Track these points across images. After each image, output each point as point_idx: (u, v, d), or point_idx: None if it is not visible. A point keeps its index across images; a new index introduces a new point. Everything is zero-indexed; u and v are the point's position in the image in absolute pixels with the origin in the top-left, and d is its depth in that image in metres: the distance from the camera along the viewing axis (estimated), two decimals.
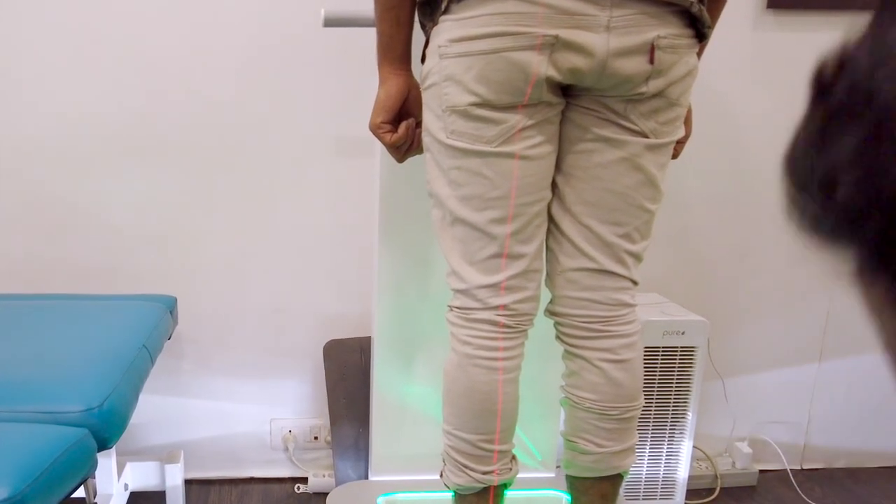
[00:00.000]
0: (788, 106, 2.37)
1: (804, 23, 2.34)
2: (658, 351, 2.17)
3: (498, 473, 1.59)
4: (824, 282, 2.52)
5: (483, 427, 1.55)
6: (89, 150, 2.22)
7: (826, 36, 2.31)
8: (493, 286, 1.50)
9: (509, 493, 1.66)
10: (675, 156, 1.66)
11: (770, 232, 2.49)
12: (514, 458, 1.67)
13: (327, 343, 2.36)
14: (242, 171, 2.27)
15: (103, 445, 1.54)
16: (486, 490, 1.62)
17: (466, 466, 1.58)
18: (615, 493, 1.68)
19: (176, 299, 2.14)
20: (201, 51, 2.18)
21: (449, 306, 1.61)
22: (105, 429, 1.53)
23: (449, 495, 1.68)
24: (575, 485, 1.70)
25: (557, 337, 1.65)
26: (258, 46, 2.20)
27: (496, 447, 1.57)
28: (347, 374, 2.32)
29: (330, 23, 1.89)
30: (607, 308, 1.55)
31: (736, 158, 2.42)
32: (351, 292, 2.38)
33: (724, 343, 2.53)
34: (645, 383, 1.99)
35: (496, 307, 1.51)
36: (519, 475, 1.98)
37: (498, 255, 1.49)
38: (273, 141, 2.26)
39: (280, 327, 2.39)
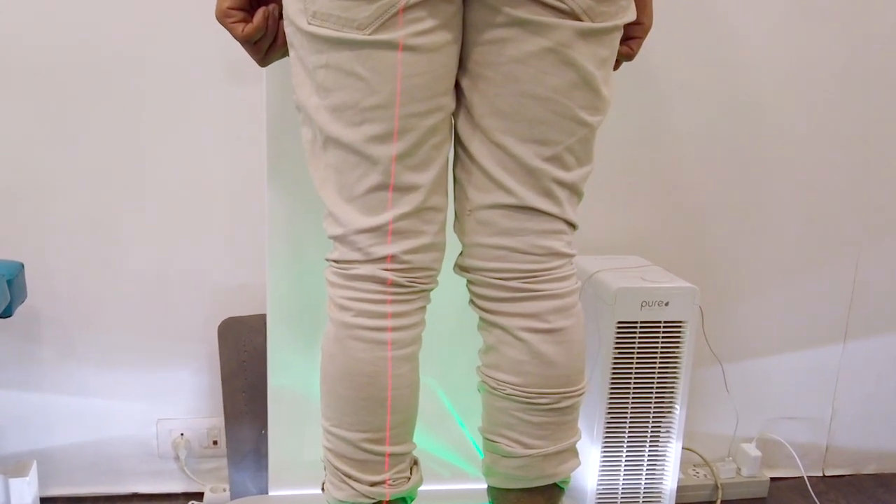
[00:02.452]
0: (798, 16, 2.20)
1: None
2: (636, 327, 1.97)
3: (390, 484, 1.40)
4: (850, 238, 2.36)
5: (367, 422, 1.37)
6: None
7: None
8: (377, 230, 1.32)
9: None
10: (629, 55, 1.45)
11: (779, 175, 2.31)
12: (415, 463, 1.47)
13: (223, 322, 2.15)
14: (109, 103, 2.05)
15: None
16: None
17: (349, 476, 1.39)
18: None
19: (22, 266, 1.91)
20: None
21: (326, 260, 1.41)
22: None
23: None
24: (498, 499, 1.51)
25: (470, 300, 1.44)
26: None
27: (387, 449, 1.39)
28: (248, 361, 2.13)
29: None
30: (531, 259, 1.36)
31: (737, 84, 2.24)
32: (250, 257, 2.18)
33: (722, 318, 2.35)
34: (621, 368, 1.98)
35: (382, 259, 1.33)
36: (460, 486, 1.93)
37: (382, 187, 1.30)
38: (148, 64, 2.05)
39: (164, 302, 2.19)
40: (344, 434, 1.38)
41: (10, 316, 1.86)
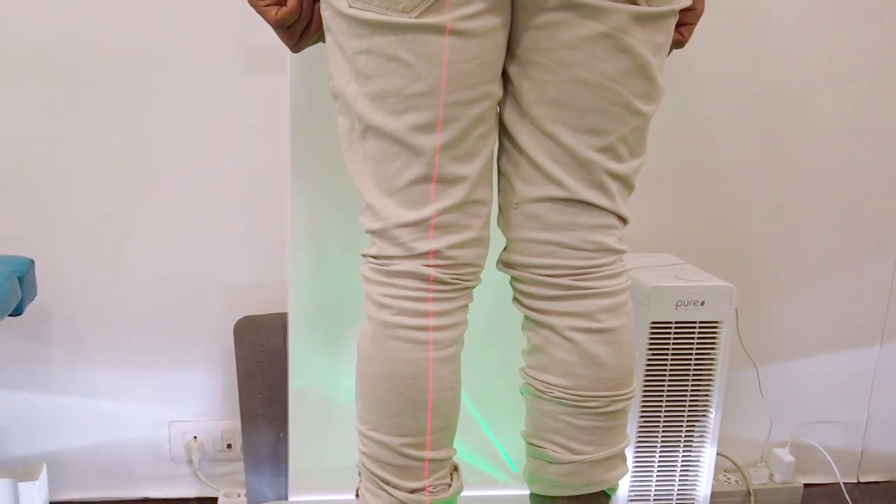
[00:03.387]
0: (836, 7, 2.18)
1: None
2: (670, 327, 1.95)
3: (430, 491, 1.37)
4: (887, 238, 2.34)
5: (408, 426, 1.34)
6: None
7: None
8: (419, 224, 1.29)
9: None
10: (680, 42, 1.42)
11: (816, 171, 2.29)
12: (455, 469, 1.44)
13: (239, 321, 2.13)
14: (121, 92, 2.03)
15: None
16: None
17: (387, 482, 1.36)
18: None
19: (31, 262, 1.90)
20: None
21: (362, 255, 1.39)
22: None
23: None
24: None
25: (515, 299, 1.42)
26: None
27: (427, 454, 1.36)
28: (265, 362, 2.10)
29: None
30: (583, 255, 1.34)
31: (771, 76, 2.21)
32: (268, 254, 2.16)
33: (757, 319, 2.32)
34: (655, 370, 1.96)
35: (424, 254, 1.30)
36: (487, 493, 1.94)
37: (425, 179, 1.28)
38: (161, 51, 2.02)
39: (178, 301, 2.17)
40: (382, 438, 1.36)
41: (20, 314, 1.85)
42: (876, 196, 2.34)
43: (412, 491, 1.37)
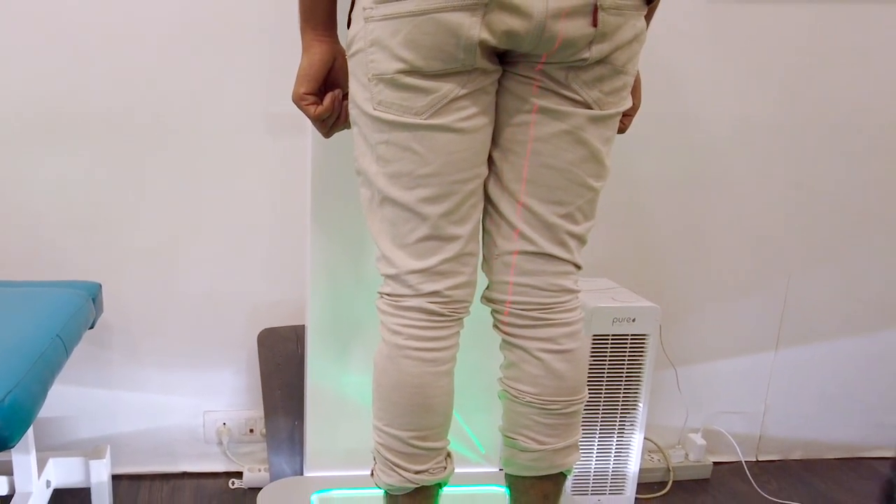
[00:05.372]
0: (743, 80, 2.28)
1: None
2: (607, 339, 2.07)
3: (431, 473, 1.48)
4: (782, 265, 2.44)
5: (415, 423, 1.44)
6: (2, 128, 2.06)
7: (786, 7, 2.23)
8: (424, 271, 1.40)
9: (450, 490, 1.56)
10: (622, 130, 1.55)
11: (725, 212, 2.39)
12: (449, 455, 1.54)
13: (261, 332, 2.24)
14: (170, 149, 2.13)
15: (3, 445, 1.39)
16: (418, 490, 1.50)
17: (397, 465, 1.47)
18: (557, 493, 1.56)
19: (100, 286, 2.00)
20: (123, 18, 2.03)
21: (378, 293, 1.49)
22: (5, 426, 1.37)
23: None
24: (515, 484, 1.58)
25: (495, 325, 1.53)
26: (185, 13, 2.05)
27: (429, 444, 1.46)
28: (283, 364, 2.20)
29: None
30: (548, 294, 1.44)
31: (688, 134, 2.32)
32: (286, 278, 2.26)
33: (676, 330, 2.44)
34: (594, 373, 2.06)
35: (428, 294, 1.41)
36: (461, 470, 1.95)
37: (429, 238, 1.38)
38: (202, 117, 2.12)
39: (212, 315, 2.26)
40: (395, 432, 1.46)
41: (93, 328, 1.95)
42: (772, 230, 2.42)
43: (417, 472, 1.48)
